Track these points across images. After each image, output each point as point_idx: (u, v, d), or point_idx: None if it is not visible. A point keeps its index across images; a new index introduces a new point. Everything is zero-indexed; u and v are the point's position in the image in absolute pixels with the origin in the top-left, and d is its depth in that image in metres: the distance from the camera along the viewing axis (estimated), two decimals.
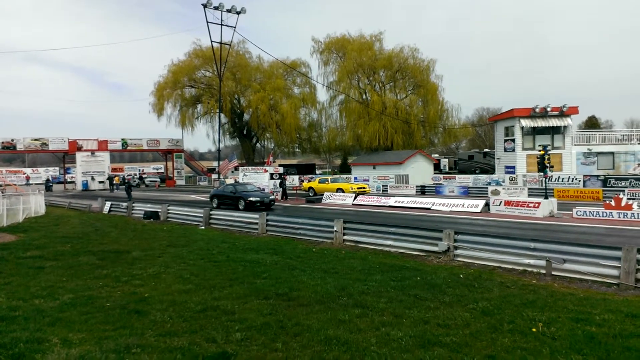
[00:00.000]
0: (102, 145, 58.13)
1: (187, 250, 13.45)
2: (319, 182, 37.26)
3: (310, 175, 53.17)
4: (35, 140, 55.71)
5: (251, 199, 25.27)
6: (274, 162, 47.15)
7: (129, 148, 63.36)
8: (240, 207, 24.94)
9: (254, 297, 8.31)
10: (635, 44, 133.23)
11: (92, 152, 56.63)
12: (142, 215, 23.38)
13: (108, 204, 27.51)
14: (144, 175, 73.30)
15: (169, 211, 22.73)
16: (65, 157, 61.82)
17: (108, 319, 7.16)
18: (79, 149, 56.19)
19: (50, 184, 57.85)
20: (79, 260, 12.15)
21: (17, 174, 79.36)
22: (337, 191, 32.99)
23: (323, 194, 31.89)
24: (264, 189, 30.48)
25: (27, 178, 75.13)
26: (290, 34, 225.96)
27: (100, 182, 56.02)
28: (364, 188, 35.62)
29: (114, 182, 52.29)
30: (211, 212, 20.38)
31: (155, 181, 63.13)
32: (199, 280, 9.62)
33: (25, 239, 16.23)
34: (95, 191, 51.50)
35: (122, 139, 61.34)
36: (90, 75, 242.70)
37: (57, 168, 79.32)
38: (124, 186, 38.50)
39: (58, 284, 9.50)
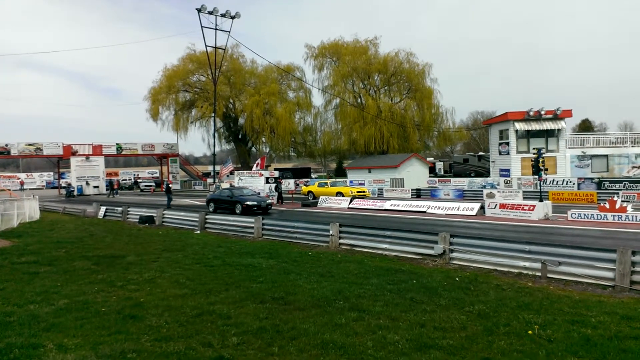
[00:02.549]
0: (97, 150, 57.86)
1: (182, 255, 13.41)
2: (319, 186, 37.01)
3: (306, 179, 53.07)
4: (30, 145, 55.46)
5: (248, 203, 25.21)
6: (268, 166, 47.08)
7: (123, 153, 63.13)
8: (237, 211, 24.89)
9: (250, 301, 8.30)
10: (628, 48, 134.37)
11: (87, 156, 56.25)
12: (137, 220, 23.30)
13: (103, 208, 27.39)
14: (139, 180, 73.10)
15: (165, 215, 22.66)
16: (59, 162, 61.53)
17: (103, 324, 7.13)
18: (74, 153, 55.84)
19: (72, 189, 52.43)
20: (74, 265, 12.10)
21: (11, 179, 79.02)
22: (337, 195, 32.83)
23: (319, 198, 31.89)
24: (259, 193, 30.45)
25: (22, 183, 74.83)
26: (283, 39, 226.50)
27: (95, 186, 55.62)
28: (364, 192, 35.58)
29: (114, 187, 51.71)
30: (207, 217, 20.33)
31: (150, 186, 62.88)
32: (195, 285, 9.60)
33: (20, 244, 16.14)
34: (90, 196, 51.16)
35: (117, 144, 61.14)
36: (84, 80, 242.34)
37: (52, 173, 79.08)
38: (126, 189, 37.58)
39: (53, 289, 9.45)
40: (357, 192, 34.49)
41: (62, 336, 6.60)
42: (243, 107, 62.69)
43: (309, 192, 37.05)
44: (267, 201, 26.82)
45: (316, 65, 59.51)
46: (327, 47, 59.04)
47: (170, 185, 35.74)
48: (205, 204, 28.89)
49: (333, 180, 42.00)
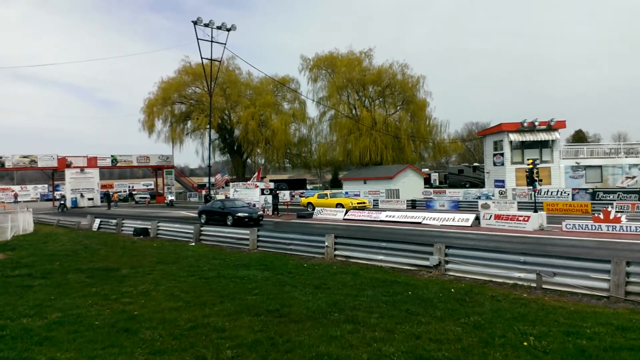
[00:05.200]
0: (92, 162, 57.71)
1: (177, 267, 13.34)
2: (318, 197, 36.94)
3: (302, 191, 53.08)
4: (24, 157, 55.23)
5: (239, 214, 25.20)
6: (263, 178, 47.06)
7: (118, 164, 62.93)
8: (229, 222, 24.84)
9: (244, 313, 8.25)
10: (622, 58, 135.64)
11: (82, 168, 56.09)
12: (131, 232, 23.20)
13: (97, 221, 27.27)
14: (133, 192, 72.87)
15: (159, 228, 22.57)
16: (54, 174, 61.32)
17: (97, 337, 7.06)
18: (68, 165, 55.66)
19: (63, 202, 50.27)
20: (68, 278, 12.01)
21: (5, 191, 78.62)
22: (336, 206, 32.75)
23: (314, 209, 31.85)
24: (254, 205, 30.42)
25: (16, 195, 74.52)
26: (278, 51, 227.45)
27: (89, 198, 55.39)
28: (364, 203, 35.53)
29: (112, 199, 51.20)
30: (202, 229, 20.27)
31: (145, 197, 62.66)
32: (189, 298, 9.54)
33: (13, 257, 16.02)
34: (85, 208, 50.92)
35: (112, 156, 60.98)
36: (79, 92, 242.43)
37: (46, 185, 78.77)
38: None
39: (46, 302, 9.37)
40: (358, 203, 34.46)
41: (55, 350, 6.54)
42: (238, 118, 62.87)
43: (309, 203, 36.98)
44: (259, 212, 26.79)
45: (311, 77, 59.90)
46: (322, 58, 59.39)
47: (206, 196, 37.53)
48: (197, 215, 28.89)
49: (332, 191, 41.98)
